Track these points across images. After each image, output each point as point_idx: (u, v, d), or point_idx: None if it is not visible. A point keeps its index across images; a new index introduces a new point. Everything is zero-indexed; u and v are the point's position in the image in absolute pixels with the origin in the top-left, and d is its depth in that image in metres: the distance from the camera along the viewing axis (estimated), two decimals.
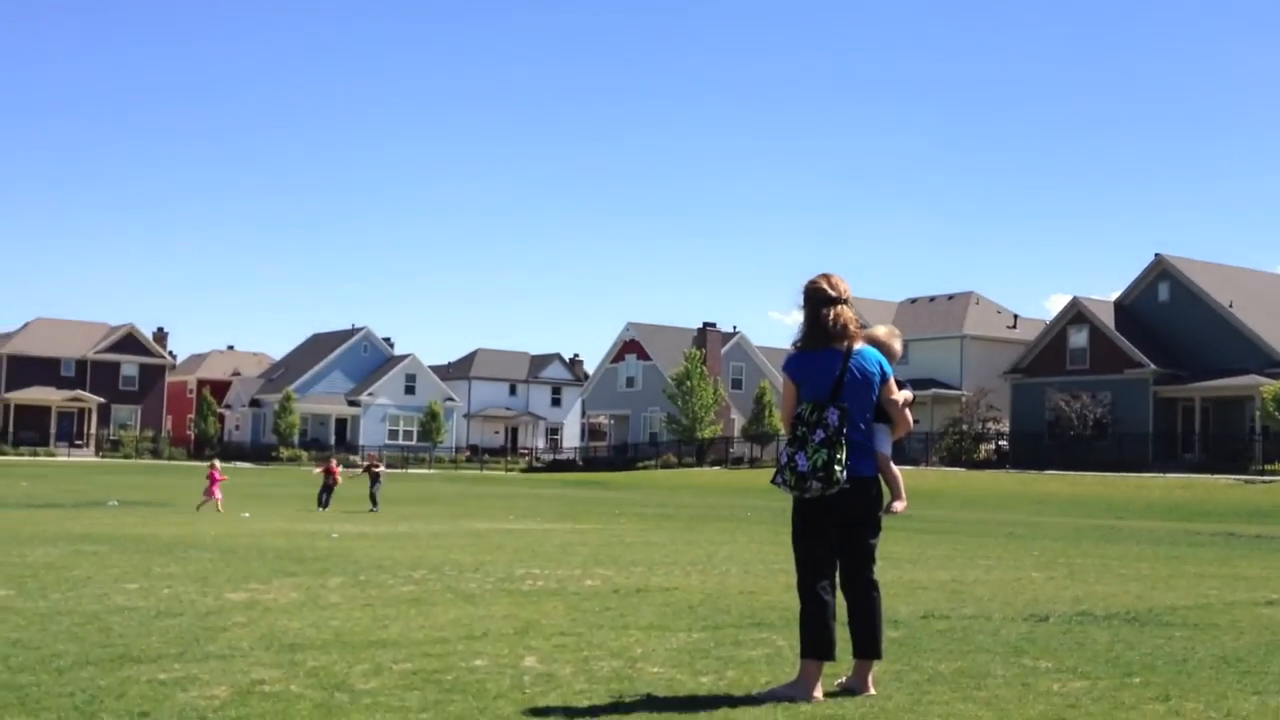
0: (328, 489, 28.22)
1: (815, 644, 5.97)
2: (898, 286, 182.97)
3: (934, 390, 64.53)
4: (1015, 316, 69.98)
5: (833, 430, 6.01)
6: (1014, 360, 61.38)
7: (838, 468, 5.96)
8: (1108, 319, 57.92)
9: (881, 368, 6.27)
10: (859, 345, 6.23)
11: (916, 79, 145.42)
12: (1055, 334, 59.73)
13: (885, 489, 6.33)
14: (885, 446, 6.35)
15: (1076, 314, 58.88)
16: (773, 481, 6.21)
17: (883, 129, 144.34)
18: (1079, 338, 58.50)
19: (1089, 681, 6.46)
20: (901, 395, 6.38)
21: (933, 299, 71.67)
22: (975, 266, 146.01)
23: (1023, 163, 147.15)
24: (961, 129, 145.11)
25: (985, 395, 59.11)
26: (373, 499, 28.02)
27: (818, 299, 6.23)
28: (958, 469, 54.77)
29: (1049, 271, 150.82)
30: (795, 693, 5.86)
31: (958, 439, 58.53)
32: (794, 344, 6.34)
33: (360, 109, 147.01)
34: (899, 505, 6.35)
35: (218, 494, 25.71)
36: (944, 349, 66.39)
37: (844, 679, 6.19)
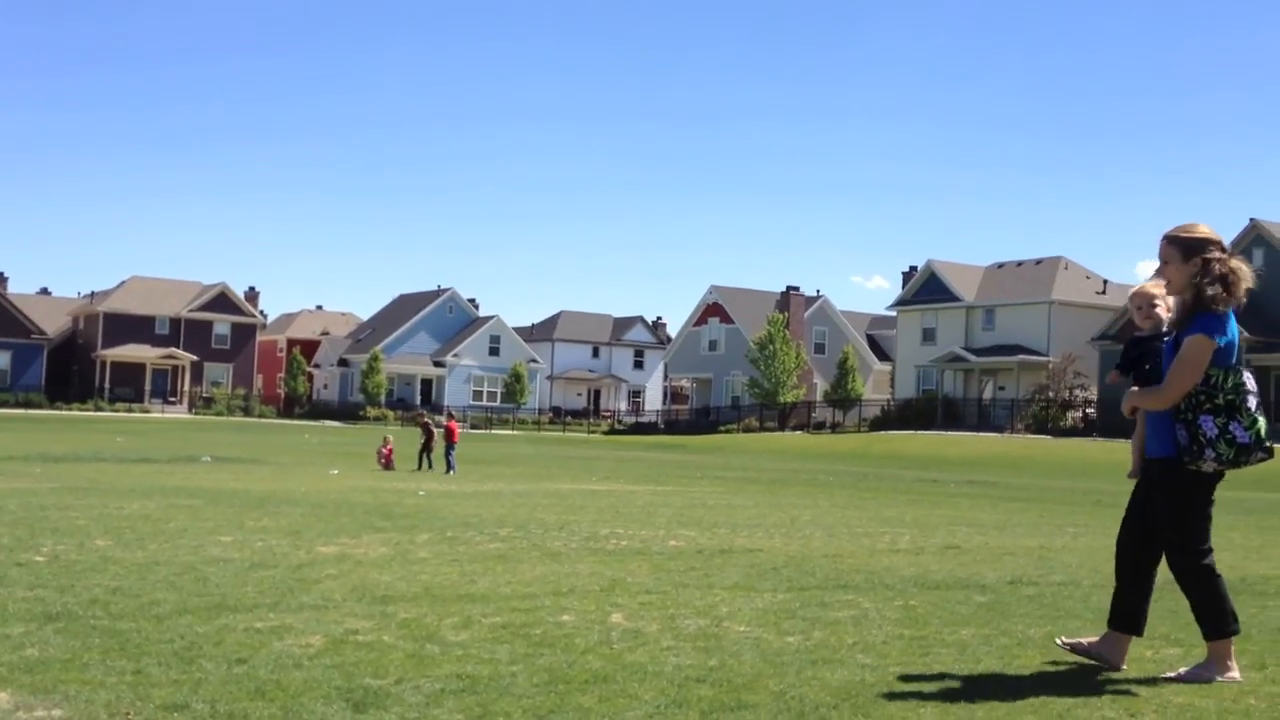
0: (450, 448, 27.16)
1: (1233, 619, 5.75)
2: (985, 251, 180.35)
3: (1020, 356, 63.66)
4: (1105, 282, 68.64)
5: (1258, 394, 5.74)
6: (1103, 326, 60.25)
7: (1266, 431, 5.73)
8: None
9: None
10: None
11: (1004, 40, 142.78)
12: None
13: None
14: None
15: None
16: (1191, 462, 5.63)
17: (968, 94, 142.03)
18: None
19: (1182, 649, 6.36)
20: None
21: (1020, 264, 70.52)
22: (1065, 231, 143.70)
23: (1115, 127, 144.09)
24: (1051, 94, 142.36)
25: (1073, 362, 58.14)
26: (424, 460, 27.94)
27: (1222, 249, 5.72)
28: (1043, 437, 54.04)
29: (1139, 236, 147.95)
30: (1210, 673, 5.68)
31: (1044, 406, 57.74)
32: (1215, 300, 5.63)
33: (447, 76, 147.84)
34: None
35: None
36: (1031, 315, 65.41)
37: (1081, 640, 6.08)
